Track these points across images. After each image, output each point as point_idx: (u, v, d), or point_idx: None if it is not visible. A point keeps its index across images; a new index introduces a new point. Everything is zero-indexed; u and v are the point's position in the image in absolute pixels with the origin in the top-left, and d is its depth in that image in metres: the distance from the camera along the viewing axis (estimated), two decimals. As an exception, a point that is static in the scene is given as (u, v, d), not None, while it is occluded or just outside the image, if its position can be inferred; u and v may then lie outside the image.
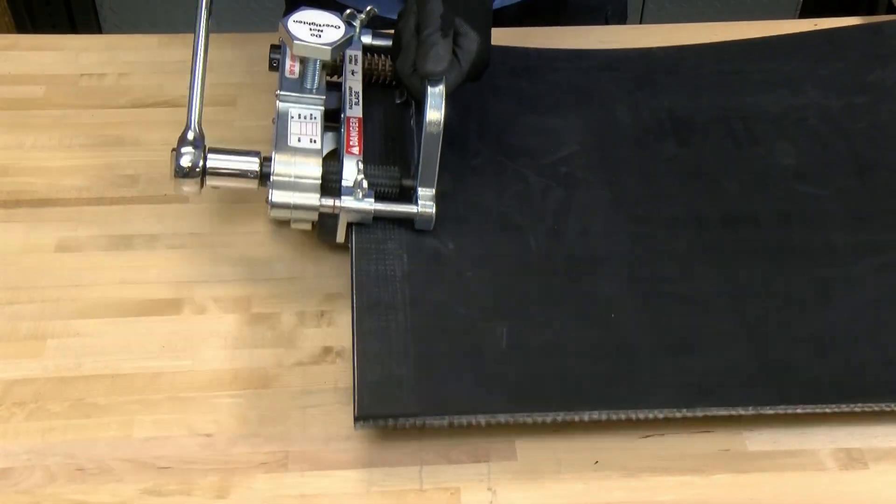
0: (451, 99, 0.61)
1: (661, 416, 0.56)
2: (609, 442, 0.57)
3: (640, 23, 1.71)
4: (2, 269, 0.64)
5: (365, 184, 0.61)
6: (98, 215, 0.68)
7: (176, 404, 0.57)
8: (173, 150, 0.60)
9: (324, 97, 0.64)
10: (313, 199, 0.61)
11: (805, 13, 1.72)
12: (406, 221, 0.64)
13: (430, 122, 0.61)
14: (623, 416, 0.56)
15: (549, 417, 0.55)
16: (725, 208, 0.68)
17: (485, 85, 0.76)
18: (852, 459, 0.56)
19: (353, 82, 0.67)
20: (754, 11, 1.71)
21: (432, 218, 0.63)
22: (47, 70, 0.79)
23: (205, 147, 0.61)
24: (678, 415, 0.56)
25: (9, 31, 1.45)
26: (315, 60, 0.63)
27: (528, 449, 0.56)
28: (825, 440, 0.57)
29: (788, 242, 0.66)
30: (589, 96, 0.76)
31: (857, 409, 0.57)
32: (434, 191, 0.63)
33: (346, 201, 0.61)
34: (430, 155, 0.62)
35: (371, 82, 0.71)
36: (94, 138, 0.73)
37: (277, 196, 0.61)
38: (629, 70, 0.79)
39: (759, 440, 0.57)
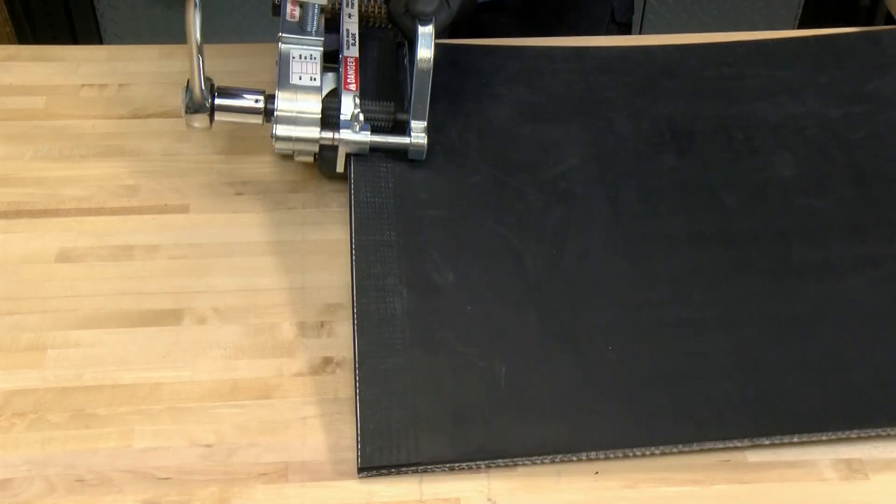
0: (452, 109, 0.62)
1: (657, 452, 0.56)
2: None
3: (640, 33, 1.71)
4: (2, 279, 0.64)
5: (361, 117, 0.66)
6: (98, 225, 0.68)
7: (176, 415, 0.57)
8: (183, 88, 0.65)
9: (322, 39, 0.69)
10: (314, 132, 0.66)
11: (804, 23, 1.72)
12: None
13: (421, 60, 0.65)
14: (620, 455, 0.56)
15: (547, 459, 0.55)
16: (724, 223, 0.68)
17: (484, 93, 0.76)
18: (853, 470, 0.56)
19: (350, 24, 0.71)
20: (753, 21, 1.71)
21: (424, 148, 0.68)
22: (48, 81, 0.79)
23: (213, 86, 0.66)
24: (674, 450, 0.56)
25: (10, 42, 1.45)
26: (314, 5, 0.68)
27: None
28: (825, 451, 0.57)
29: (787, 259, 0.66)
30: (588, 104, 0.76)
31: (853, 436, 0.57)
32: (426, 124, 0.68)
33: (345, 134, 0.67)
34: (421, 90, 0.67)
35: (367, 27, 0.75)
36: (94, 148, 0.73)
37: (281, 130, 0.66)
38: (629, 73, 0.79)
39: (760, 451, 0.57)
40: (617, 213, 0.68)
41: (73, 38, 1.64)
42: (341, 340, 0.61)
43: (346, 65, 0.69)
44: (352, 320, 0.60)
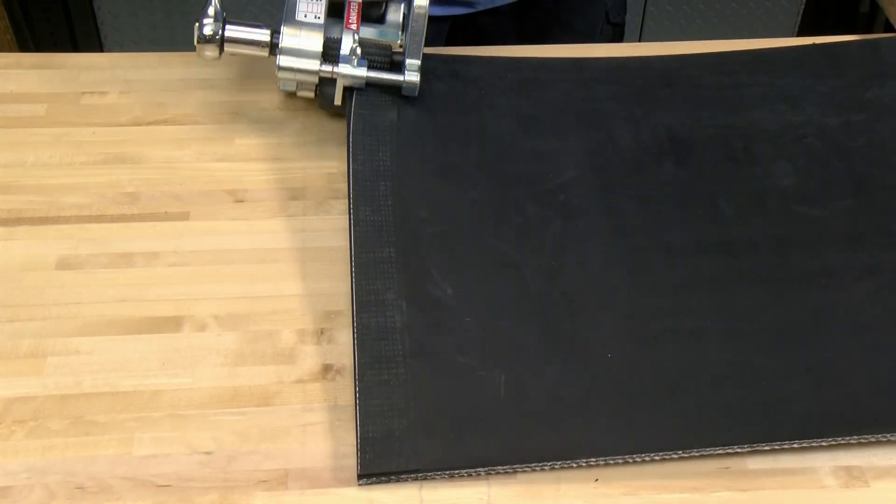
0: (450, 122, 0.62)
1: (657, 458, 0.56)
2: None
3: (640, 40, 1.72)
4: (2, 286, 0.64)
5: (359, 51, 0.72)
6: (99, 233, 0.68)
7: (176, 422, 0.57)
8: (196, 20, 0.70)
9: None
10: (314, 64, 0.71)
11: (803, 30, 1.73)
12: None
13: (418, 5, 0.71)
14: (620, 461, 0.56)
15: (546, 466, 0.56)
16: (724, 233, 0.68)
17: (483, 104, 0.76)
18: (853, 478, 0.56)
19: None
20: (753, 28, 1.72)
21: (416, 85, 0.74)
22: (49, 88, 0.79)
23: (224, 18, 0.71)
24: (674, 456, 0.56)
25: (10, 50, 1.46)
26: None
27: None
28: (826, 458, 0.57)
29: (786, 268, 0.66)
30: (588, 114, 0.76)
31: (853, 442, 0.57)
32: (420, 62, 0.73)
33: (343, 67, 0.72)
34: (416, 32, 0.72)
35: None
36: (95, 156, 0.73)
37: (284, 61, 0.71)
38: (629, 83, 0.79)
39: (760, 458, 0.57)
40: (616, 223, 0.68)
41: (74, 45, 1.64)
42: (341, 347, 0.62)
43: (349, 7, 0.73)
44: (352, 335, 0.60)
